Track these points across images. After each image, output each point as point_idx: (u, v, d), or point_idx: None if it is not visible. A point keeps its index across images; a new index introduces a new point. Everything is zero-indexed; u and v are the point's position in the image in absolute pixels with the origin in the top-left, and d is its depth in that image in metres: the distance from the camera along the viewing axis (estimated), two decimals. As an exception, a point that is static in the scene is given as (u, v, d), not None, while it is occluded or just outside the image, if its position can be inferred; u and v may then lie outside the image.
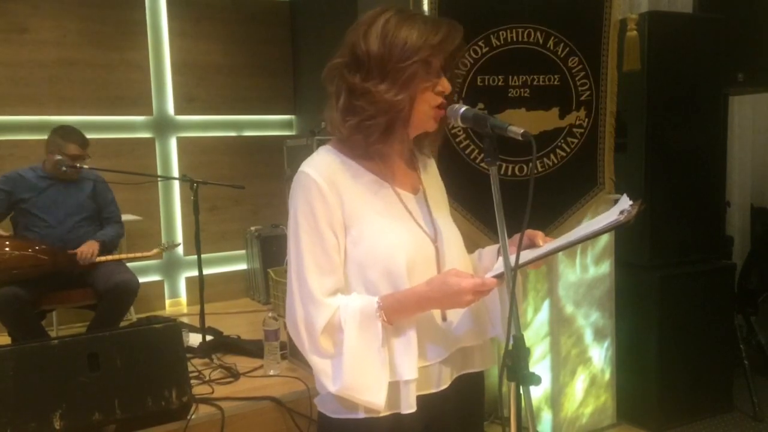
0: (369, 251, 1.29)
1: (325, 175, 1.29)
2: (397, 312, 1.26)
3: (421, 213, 1.39)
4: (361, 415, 1.28)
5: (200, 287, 3.32)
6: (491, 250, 1.47)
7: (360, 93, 1.27)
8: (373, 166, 1.36)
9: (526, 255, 1.26)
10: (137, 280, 3.37)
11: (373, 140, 1.30)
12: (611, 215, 1.17)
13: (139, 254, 3.78)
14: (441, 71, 1.31)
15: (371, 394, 1.24)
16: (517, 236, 1.28)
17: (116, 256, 3.54)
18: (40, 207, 3.36)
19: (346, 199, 1.30)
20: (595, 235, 1.23)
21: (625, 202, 1.16)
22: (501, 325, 1.39)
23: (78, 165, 3.34)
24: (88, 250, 3.32)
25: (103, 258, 3.43)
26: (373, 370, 1.24)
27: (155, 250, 3.71)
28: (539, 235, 1.32)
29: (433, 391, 1.34)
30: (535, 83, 2.68)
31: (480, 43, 2.60)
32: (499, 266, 1.29)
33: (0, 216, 3.36)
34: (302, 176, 1.31)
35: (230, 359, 3.14)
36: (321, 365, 1.27)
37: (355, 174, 1.33)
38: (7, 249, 3.18)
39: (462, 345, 1.39)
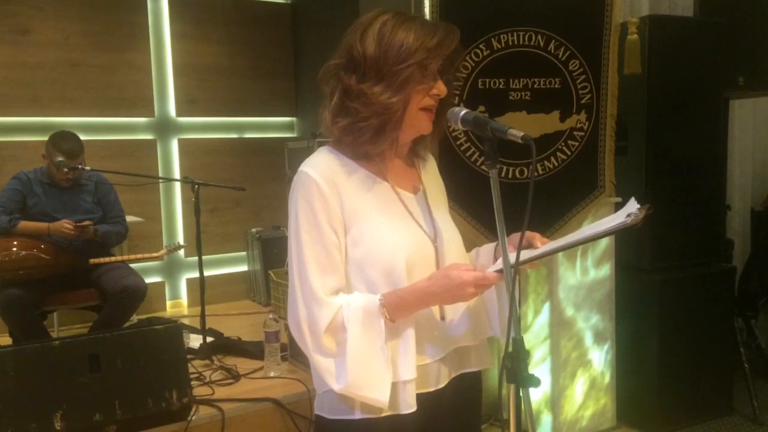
0: (369, 251, 1.29)
1: (324, 175, 1.30)
2: (400, 309, 1.27)
3: (421, 212, 1.39)
4: (358, 415, 1.28)
5: (201, 289, 3.33)
6: (488, 248, 1.47)
7: (355, 95, 1.28)
8: (372, 166, 1.36)
9: (525, 255, 1.26)
10: (145, 285, 3.37)
11: (362, 141, 1.30)
12: (618, 217, 1.17)
13: (147, 255, 3.78)
14: (438, 74, 1.31)
15: (376, 392, 1.24)
16: (515, 236, 1.29)
17: (122, 258, 3.55)
18: (46, 213, 3.33)
19: (345, 199, 1.30)
20: (601, 236, 1.23)
21: (632, 206, 1.16)
22: (499, 326, 1.40)
23: (80, 166, 3.33)
24: (76, 225, 3.24)
25: (108, 259, 3.43)
26: (377, 368, 1.24)
27: (162, 252, 3.72)
28: (537, 236, 1.32)
29: (431, 390, 1.35)
30: (536, 86, 2.68)
31: (481, 46, 2.61)
32: (500, 263, 1.29)
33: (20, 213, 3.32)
34: (302, 176, 1.31)
35: (231, 360, 3.15)
36: (324, 364, 1.27)
37: (354, 174, 1.34)
38: (14, 249, 3.19)
39: (459, 345, 1.39)
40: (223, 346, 3.35)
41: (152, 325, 2.48)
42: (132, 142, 4.64)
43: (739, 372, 3.33)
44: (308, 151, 4.18)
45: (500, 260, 1.22)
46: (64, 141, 3.31)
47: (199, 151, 4.88)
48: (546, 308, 2.94)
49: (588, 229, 1.27)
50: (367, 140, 1.30)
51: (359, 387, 1.24)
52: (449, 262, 1.35)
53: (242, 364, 3.07)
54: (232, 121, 5.03)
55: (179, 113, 4.81)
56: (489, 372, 2.68)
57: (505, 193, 1.23)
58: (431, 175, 1.50)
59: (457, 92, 2.56)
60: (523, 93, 2.68)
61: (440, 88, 1.32)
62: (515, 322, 1.15)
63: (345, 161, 1.35)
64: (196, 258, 3.32)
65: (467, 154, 2.65)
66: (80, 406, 2.21)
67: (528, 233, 1.30)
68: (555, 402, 2.95)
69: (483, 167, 2.63)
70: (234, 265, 5.06)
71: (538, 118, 2.70)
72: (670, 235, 3.09)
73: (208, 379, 2.89)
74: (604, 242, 2.99)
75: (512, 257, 1.19)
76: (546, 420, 2.98)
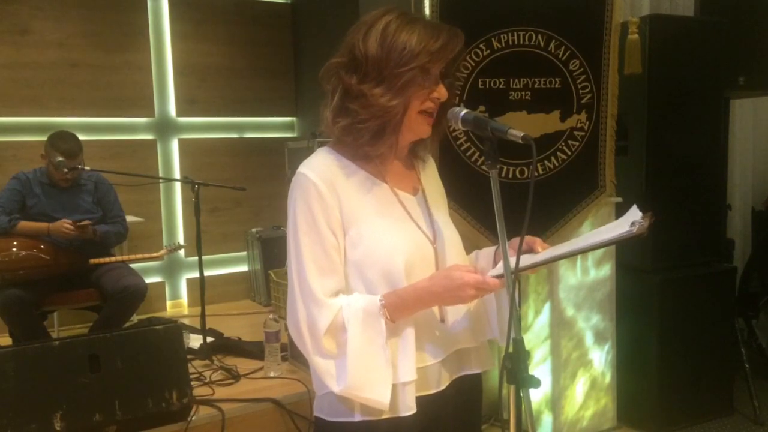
0: (367, 253, 1.29)
1: (323, 176, 1.29)
2: (400, 309, 1.26)
3: (420, 214, 1.39)
4: (358, 417, 1.28)
5: (201, 289, 3.32)
6: (488, 251, 1.47)
7: (355, 95, 1.27)
8: (371, 167, 1.36)
9: (526, 260, 1.25)
10: (145, 284, 3.36)
11: (361, 142, 1.29)
12: (622, 226, 1.16)
13: (147, 255, 3.78)
14: (439, 78, 1.30)
15: (376, 393, 1.24)
16: (515, 240, 1.28)
17: (122, 258, 3.54)
18: (45, 213, 3.32)
19: (344, 200, 1.30)
20: (604, 245, 1.22)
21: (635, 214, 1.15)
22: (498, 329, 1.39)
23: (80, 166, 3.33)
24: (76, 225, 3.23)
25: (108, 259, 3.43)
26: (377, 369, 1.24)
27: (162, 252, 3.71)
28: (537, 241, 1.31)
29: (432, 392, 1.34)
30: (536, 86, 2.68)
31: (481, 46, 2.60)
32: (500, 267, 1.29)
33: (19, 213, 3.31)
34: (300, 177, 1.31)
35: (231, 361, 3.14)
36: (324, 366, 1.26)
37: (353, 175, 1.33)
38: (14, 249, 3.18)
39: (459, 346, 1.39)
40: (223, 346, 3.35)
41: (152, 325, 2.47)
42: (132, 142, 4.64)
43: (740, 372, 3.33)
44: (308, 151, 4.18)
45: (500, 264, 1.21)
46: (62, 141, 3.30)
47: (199, 151, 4.88)
48: (546, 308, 2.94)
49: (591, 236, 1.26)
50: (366, 142, 1.29)
51: (359, 388, 1.23)
52: (448, 264, 1.35)
53: (242, 365, 3.07)
54: (232, 121, 5.03)
55: (179, 113, 4.81)
56: (489, 373, 2.68)
57: (505, 193, 1.22)
58: (431, 176, 1.50)
59: (458, 92, 2.56)
60: (523, 93, 2.67)
61: (441, 92, 1.31)
62: (515, 322, 1.14)
63: (344, 162, 1.34)
64: (196, 258, 3.32)
65: (467, 154, 2.65)
66: (80, 407, 2.20)
67: (528, 238, 1.29)
68: (555, 402, 2.94)
69: (483, 167, 2.63)
70: (234, 265, 5.06)
71: (538, 118, 2.70)
72: (670, 235, 3.09)
73: (208, 380, 2.88)
74: (605, 242, 2.99)
75: (512, 261, 1.18)
76: (546, 420, 2.98)
